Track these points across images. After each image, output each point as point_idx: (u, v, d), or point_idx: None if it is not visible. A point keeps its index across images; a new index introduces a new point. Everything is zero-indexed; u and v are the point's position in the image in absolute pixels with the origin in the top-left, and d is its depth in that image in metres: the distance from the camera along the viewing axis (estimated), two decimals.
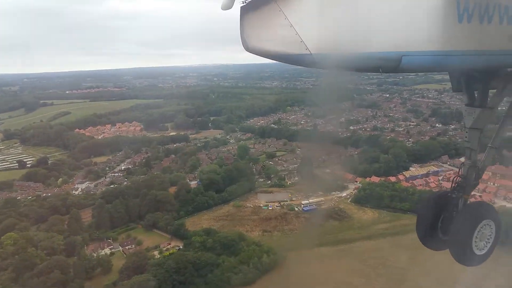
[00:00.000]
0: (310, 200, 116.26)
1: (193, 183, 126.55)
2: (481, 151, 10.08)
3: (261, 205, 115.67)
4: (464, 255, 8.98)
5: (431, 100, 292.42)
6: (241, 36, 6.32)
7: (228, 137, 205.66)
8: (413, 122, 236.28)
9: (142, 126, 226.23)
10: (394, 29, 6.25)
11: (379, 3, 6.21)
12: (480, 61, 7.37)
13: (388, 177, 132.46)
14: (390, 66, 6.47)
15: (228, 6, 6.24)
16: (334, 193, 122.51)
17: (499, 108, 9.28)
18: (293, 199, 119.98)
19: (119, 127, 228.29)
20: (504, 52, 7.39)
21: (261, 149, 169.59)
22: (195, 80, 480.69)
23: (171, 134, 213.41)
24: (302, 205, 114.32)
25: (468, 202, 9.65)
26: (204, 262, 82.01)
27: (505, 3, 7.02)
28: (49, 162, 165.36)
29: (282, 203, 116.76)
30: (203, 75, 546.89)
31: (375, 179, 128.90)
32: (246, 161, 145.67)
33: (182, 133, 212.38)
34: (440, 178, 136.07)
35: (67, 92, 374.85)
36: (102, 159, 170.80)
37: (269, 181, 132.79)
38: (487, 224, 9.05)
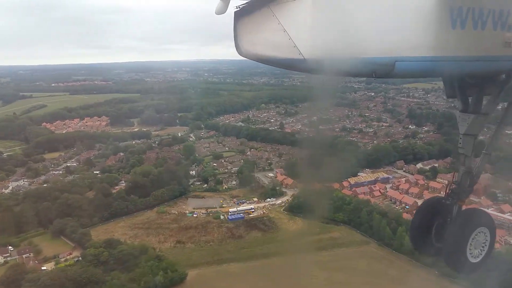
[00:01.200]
0: (239, 208, 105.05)
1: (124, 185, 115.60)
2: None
3: (187, 212, 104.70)
4: (458, 263, 8.59)
5: (415, 100, 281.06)
6: (234, 41, 6.12)
7: (191, 134, 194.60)
8: (386, 123, 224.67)
9: (108, 121, 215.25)
10: (387, 34, 6.03)
11: (373, 9, 5.96)
12: (474, 67, 7.13)
13: (333, 184, 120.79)
14: (384, 71, 6.25)
15: (222, 11, 6.02)
16: (269, 199, 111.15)
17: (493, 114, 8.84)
18: (223, 205, 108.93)
19: (85, 122, 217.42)
20: (498, 58, 7.18)
21: (214, 149, 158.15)
22: (185, 75, 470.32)
23: (135, 130, 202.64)
24: (229, 213, 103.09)
25: (463, 208, 9.03)
26: (86, 279, 71.11)
27: (498, 8, 6.81)
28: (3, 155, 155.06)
29: (210, 210, 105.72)
30: (196, 70, 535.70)
31: (316, 185, 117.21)
32: (189, 162, 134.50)
33: (146, 129, 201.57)
34: (389, 186, 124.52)
35: (53, 84, 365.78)
36: (55, 155, 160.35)
37: (206, 185, 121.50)
38: (482, 232, 8.57)
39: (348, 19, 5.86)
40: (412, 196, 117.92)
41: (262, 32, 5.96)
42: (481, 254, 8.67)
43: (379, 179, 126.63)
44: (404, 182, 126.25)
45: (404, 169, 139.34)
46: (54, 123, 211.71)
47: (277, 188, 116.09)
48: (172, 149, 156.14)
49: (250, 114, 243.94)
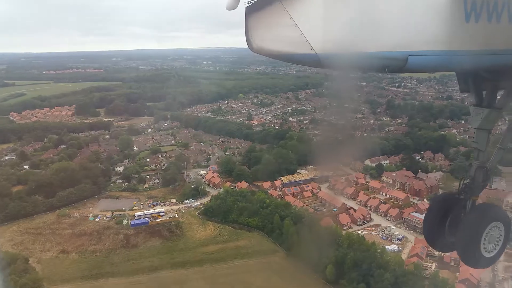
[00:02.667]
0: (146, 212, 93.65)
1: None
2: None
3: (90, 215, 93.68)
4: (473, 258, 8.22)
5: (405, 90, 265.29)
6: (246, 37, 5.91)
7: (153, 125, 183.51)
8: (361, 114, 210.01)
9: (74, 110, 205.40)
10: (400, 28, 5.84)
11: (385, 3, 5.79)
12: (488, 61, 6.80)
13: (264, 182, 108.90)
14: (396, 66, 6.10)
15: (233, 6, 5.95)
16: (187, 201, 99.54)
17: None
18: (135, 207, 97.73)
19: (51, 111, 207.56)
20: None
21: (161, 142, 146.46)
22: (183, 63, 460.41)
23: (98, 119, 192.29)
24: (135, 217, 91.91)
25: (476, 203, 8.59)
26: None
27: None
28: None
29: (116, 213, 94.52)
30: (196, 58, 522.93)
31: (243, 184, 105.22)
32: (121, 157, 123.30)
33: (111, 119, 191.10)
34: (326, 185, 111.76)
35: (44, 72, 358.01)
36: (3, 146, 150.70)
37: (127, 183, 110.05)
38: (496, 226, 8.14)
39: (360, 14, 5.62)
40: (346, 197, 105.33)
41: (274, 27, 5.71)
42: (495, 248, 8.14)
43: (317, 177, 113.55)
44: (343, 181, 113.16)
45: (350, 166, 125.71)
46: (22, 113, 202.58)
47: (201, 187, 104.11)
48: (113, 143, 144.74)
49: (225, 104, 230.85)
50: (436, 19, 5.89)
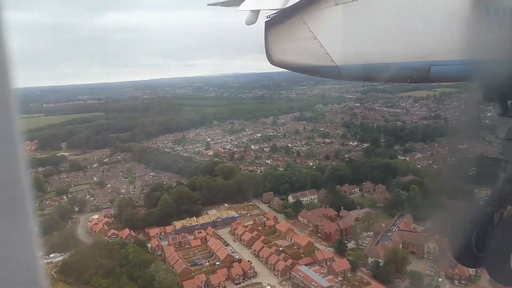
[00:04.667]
0: None
1: None
2: None
3: None
4: (503, 274, 7.55)
5: (397, 110, 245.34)
6: (266, 50, 5.81)
7: (107, 159, 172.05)
8: (331, 138, 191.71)
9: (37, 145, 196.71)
10: (422, 38, 5.71)
11: (405, 14, 5.66)
12: None
13: (154, 228, 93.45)
14: (419, 76, 5.95)
15: (252, 21, 5.95)
16: (52, 255, 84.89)
17: None
18: None
19: None
20: None
21: (81, 180, 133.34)
22: (188, 91, 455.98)
23: (52, 154, 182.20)
24: None
25: (504, 216, 7.97)
26: None
27: None
28: None
29: None
30: (205, 85, 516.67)
31: (124, 232, 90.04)
32: None
33: (65, 154, 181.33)
34: (227, 229, 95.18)
35: (44, 105, 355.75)
36: None
37: None
38: None
39: (380, 25, 5.52)
40: (244, 244, 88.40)
41: (293, 40, 5.68)
42: None
43: (219, 220, 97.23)
44: (250, 223, 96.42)
45: (272, 202, 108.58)
46: None
47: (73, 238, 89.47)
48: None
49: (195, 132, 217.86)
50: (458, 28, 5.62)
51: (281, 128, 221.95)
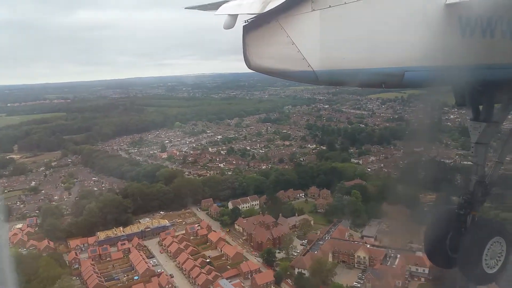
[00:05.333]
0: None
1: None
2: None
3: None
4: (475, 274, 7.91)
5: (363, 112, 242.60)
6: (243, 55, 5.79)
7: (56, 161, 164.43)
8: (288, 141, 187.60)
9: None
10: (396, 45, 5.77)
11: (381, 20, 5.68)
12: (484, 75, 6.72)
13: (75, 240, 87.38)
14: (393, 82, 6.00)
15: (230, 26, 5.85)
16: None
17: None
18: None
19: None
20: (508, 66, 6.74)
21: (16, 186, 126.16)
22: (160, 91, 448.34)
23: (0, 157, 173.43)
24: None
25: (476, 218, 8.33)
26: None
27: (508, 16, 6.41)
28: None
29: None
30: (179, 85, 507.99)
31: (42, 244, 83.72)
32: None
33: (14, 156, 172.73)
34: (155, 240, 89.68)
35: (9, 105, 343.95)
36: None
37: None
38: (497, 242, 7.90)
39: (356, 31, 5.56)
40: (170, 256, 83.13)
41: (271, 45, 5.61)
42: (497, 264, 7.85)
43: (149, 229, 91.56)
44: (182, 233, 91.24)
45: (210, 209, 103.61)
46: None
47: None
48: None
49: (154, 134, 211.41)
50: (431, 35, 5.74)
51: (244, 130, 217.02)
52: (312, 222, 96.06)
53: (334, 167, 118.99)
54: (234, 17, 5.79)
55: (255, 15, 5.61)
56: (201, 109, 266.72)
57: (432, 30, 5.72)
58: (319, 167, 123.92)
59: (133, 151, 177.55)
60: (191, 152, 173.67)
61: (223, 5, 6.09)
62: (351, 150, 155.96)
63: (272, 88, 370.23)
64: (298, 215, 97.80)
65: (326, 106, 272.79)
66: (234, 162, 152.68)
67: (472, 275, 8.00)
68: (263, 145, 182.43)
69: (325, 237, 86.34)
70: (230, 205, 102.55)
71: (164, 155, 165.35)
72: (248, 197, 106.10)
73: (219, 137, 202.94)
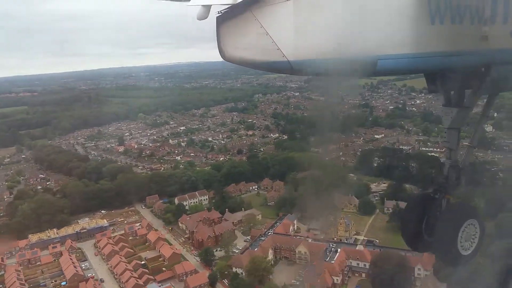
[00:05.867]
0: None
1: None
2: None
3: None
4: (450, 256, 7.95)
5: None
6: (218, 46, 5.76)
7: (8, 159, 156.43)
8: (252, 131, 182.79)
9: None
10: (369, 33, 5.77)
11: (353, 9, 5.69)
12: (454, 62, 6.75)
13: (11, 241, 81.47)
14: (367, 70, 6.02)
15: (203, 16, 5.75)
16: None
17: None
18: None
19: None
20: (476, 52, 6.79)
21: None
22: (131, 81, 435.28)
23: None
24: None
25: (451, 202, 8.38)
26: None
27: (475, 3, 6.54)
28: None
29: None
30: (152, 74, 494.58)
31: None
32: None
33: None
34: (91, 242, 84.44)
35: None
36: None
37: None
38: (471, 224, 8.00)
39: (330, 20, 5.55)
40: (104, 259, 78.07)
41: (245, 36, 5.56)
42: (471, 246, 7.95)
43: (85, 231, 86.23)
44: (119, 233, 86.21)
45: (155, 206, 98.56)
46: None
47: None
48: None
49: (115, 126, 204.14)
50: (402, 22, 5.79)
51: (209, 120, 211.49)
52: (259, 217, 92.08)
53: (289, 157, 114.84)
54: (207, 7, 5.62)
55: (228, 5, 5.51)
56: (169, 99, 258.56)
57: (402, 18, 5.70)
58: (274, 158, 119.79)
59: (89, 145, 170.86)
60: (150, 144, 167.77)
61: None
62: (312, 140, 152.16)
63: (246, 76, 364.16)
64: (245, 210, 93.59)
65: (296, 94, 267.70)
66: (192, 154, 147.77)
67: (447, 257, 7.98)
68: (225, 136, 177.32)
69: (268, 232, 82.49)
70: (176, 201, 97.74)
71: (121, 149, 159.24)
72: (196, 192, 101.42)
73: (182, 128, 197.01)
